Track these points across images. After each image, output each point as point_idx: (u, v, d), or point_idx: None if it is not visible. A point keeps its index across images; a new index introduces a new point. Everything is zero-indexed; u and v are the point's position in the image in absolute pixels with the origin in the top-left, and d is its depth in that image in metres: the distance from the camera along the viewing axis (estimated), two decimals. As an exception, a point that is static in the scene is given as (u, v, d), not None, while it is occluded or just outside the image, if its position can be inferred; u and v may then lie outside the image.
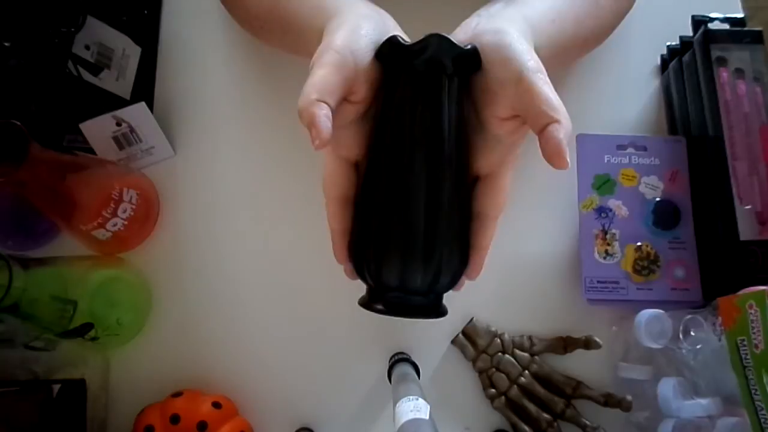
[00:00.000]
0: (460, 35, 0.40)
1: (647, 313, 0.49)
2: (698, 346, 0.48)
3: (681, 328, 0.48)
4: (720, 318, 0.46)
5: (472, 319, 0.55)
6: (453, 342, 0.55)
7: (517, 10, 0.42)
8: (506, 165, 0.40)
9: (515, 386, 0.53)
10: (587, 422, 0.52)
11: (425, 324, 0.55)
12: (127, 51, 0.59)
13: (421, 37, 0.36)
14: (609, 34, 0.56)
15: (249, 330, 0.56)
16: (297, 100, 0.34)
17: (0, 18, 0.53)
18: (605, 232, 0.54)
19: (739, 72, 0.53)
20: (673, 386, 0.47)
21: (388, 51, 0.37)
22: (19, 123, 0.43)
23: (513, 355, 0.54)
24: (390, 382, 0.51)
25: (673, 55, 0.59)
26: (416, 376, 0.50)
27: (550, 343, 0.54)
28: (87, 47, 0.57)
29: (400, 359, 0.52)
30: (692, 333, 0.48)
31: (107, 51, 0.58)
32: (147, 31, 0.61)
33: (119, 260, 0.56)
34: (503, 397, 0.53)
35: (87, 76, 0.57)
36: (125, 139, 0.56)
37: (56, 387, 0.50)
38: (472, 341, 0.54)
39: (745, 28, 0.54)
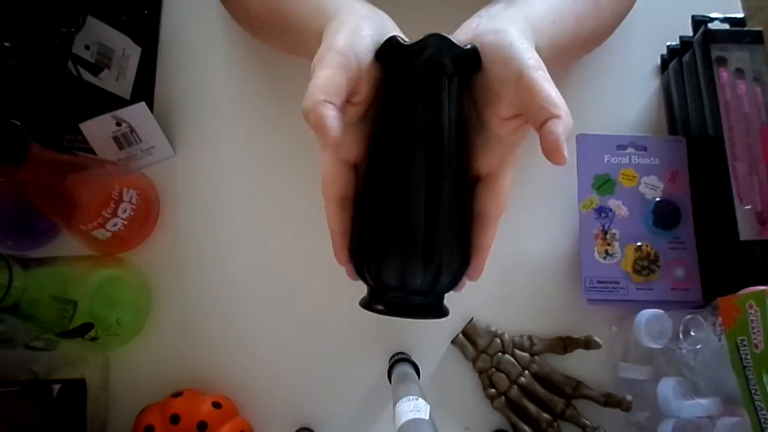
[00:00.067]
0: (461, 36, 0.40)
1: (647, 313, 0.49)
2: (698, 346, 0.48)
3: (681, 328, 0.48)
4: (720, 318, 0.46)
5: (472, 319, 0.55)
6: (453, 342, 0.55)
7: (518, 10, 0.42)
8: (507, 165, 0.40)
9: (515, 386, 0.53)
10: (587, 422, 0.52)
11: (425, 324, 0.55)
12: (127, 51, 0.59)
13: (421, 37, 0.36)
14: (610, 34, 0.56)
15: (249, 330, 0.56)
16: (297, 100, 0.34)
17: (0, 18, 0.53)
18: (605, 232, 0.54)
19: (739, 72, 0.53)
20: (673, 386, 0.47)
21: (388, 51, 0.37)
22: (19, 123, 0.43)
23: (513, 355, 0.54)
24: (390, 382, 0.51)
25: (673, 55, 0.59)
26: (416, 376, 0.50)
27: (550, 343, 0.54)
28: (87, 47, 0.57)
29: (400, 359, 0.52)
30: (692, 333, 0.48)
31: (107, 51, 0.58)
32: (147, 31, 0.61)
33: (119, 260, 0.56)
34: (503, 397, 0.53)
35: (87, 76, 0.57)
36: (125, 139, 0.56)
37: (56, 387, 0.50)
38: (472, 341, 0.54)
39: (745, 28, 0.54)
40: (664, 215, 0.54)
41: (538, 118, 0.34)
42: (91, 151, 0.55)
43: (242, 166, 0.59)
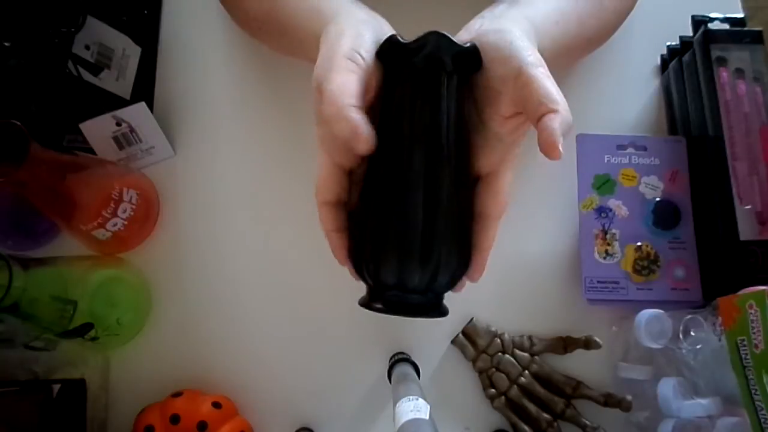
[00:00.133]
0: (464, 36, 0.40)
1: (647, 313, 0.49)
2: (698, 346, 0.48)
3: (681, 328, 0.48)
4: (720, 318, 0.46)
5: (472, 319, 0.55)
6: (453, 342, 0.55)
7: (521, 11, 0.42)
8: (507, 164, 0.40)
9: (515, 386, 0.53)
10: (587, 422, 0.52)
11: (425, 324, 0.55)
12: (127, 51, 0.59)
13: (421, 35, 0.36)
14: (612, 34, 0.56)
15: (249, 330, 0.56)
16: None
17: (0, 18, 0.53)
18: (605, 232, 0.54)
19: (739, 72, 0.53)
20: (673, 386, 0.47)
21: (388, 49, 0.37)
22: (19, 123, 0.43)
23: (513, 355, 0.54)
24: (390, 382, 0.51)
25: (673, 55, 0.59)
26: (416, 376, 0.50)
27: (550, 343, 0.54)
28: (87, 47, 0.57)
29: (400, 359, 0.52)
30: (692, 333, 0.48)
31: (107, 51, 0.58)
32: (147, 31, 0.61)
33: (119, 260, 0.56)
34: (503, 397, 0.53)
35: (87, 76, 0.57)
36: (125, 139, 0.56)
37: (56, 387, 0.50)
38: (472, 341, 0.54)
39: (745, 28, 0.54)
40: (664, 215, 0.54)
41: (535, 113, 0.34)
42: (91, 151, 0.55)
43: (242, 166, 0.59)
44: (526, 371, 0.53)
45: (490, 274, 0.56)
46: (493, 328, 0.55)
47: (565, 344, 0.54)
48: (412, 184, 0.37)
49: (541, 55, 0.38)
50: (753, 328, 0.43)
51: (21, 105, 0.56)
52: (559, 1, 0.47)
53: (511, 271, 0.56)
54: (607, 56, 0.61)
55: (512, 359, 0.53)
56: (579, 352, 0.54)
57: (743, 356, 0.43)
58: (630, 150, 0.55)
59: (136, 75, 0.60)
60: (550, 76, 0.36)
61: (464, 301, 0.55)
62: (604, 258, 0.53)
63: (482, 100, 0.39)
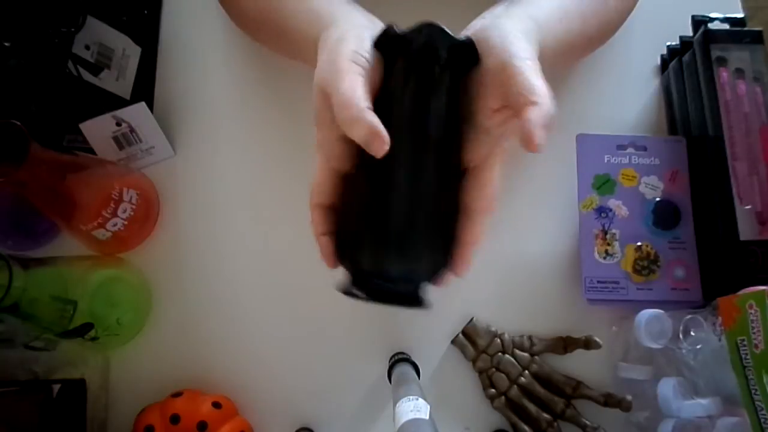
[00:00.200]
0: (466, 34, 0.40)
1: (647, 313, 0.49)
2: (698, 346, 0.48)
3: (681, 328, 0.48)
4: (720, 318, 0.46)
5: (472, 319, 0.55)
6: (453, 342, 0.55)
7: (523, 9, 0.42)
8: (494, 158, 0.40)
9: (515, 386, 0.53)
10: (587, 422, 0.52)
11: (425, 324, 0.55)
12: (127, 51, 0.59)
13: (415, 26, 0.37)
14: (614, 32, 0.56)
15: (249, 330, 0.56)
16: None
17: (0, 18, 0.53)
18: (605, 232, 0.54)
19: (739, 72, 0.53)
20: (673, 386, 0.47)
21: (385, 40, 0.38)
22: (19, 123, 0.43)
23: (513, 355, 0.54)
24: (390, 382, 0.51)
25: (673, 55, 0.59)
26: (416, 376, 0.50)
27: (550, 343, 0.54)
28: (87, 47, 0.57)
29: (400, 359, 0.52)
30: (692, 333, 0.48)
31: (107, 51, 0.58)
32: (147, 31, 0.61)
33: (119, 260, 0.56)
34: (503, 397, 0.53)
35: (87, 76, 0.57)
36: (125, 139, 0.56)
37: (56, 387, 0.50)
38: (472, 341, 0.54)
39: (745, 28, 0.54)
40: (664, 215, 0.54)
41: (517, 105, 0.35)
42: (91, 151, 0.55)
43: (242, 166, 0.59)
44: (526, 371, 0.53)
45: (490, 274, 0.56)
46: (493, 328, 0.55)
47: (565, 344, 0.54)
48: (395, 172, 0.37)
49: (544, 52, 0.38)
50: (753, 328, 0.43)
51: (21, 105, 0.56)
52: None
53: (511, 271, 0.56)
54: (607, 56, 0.61)
55: (512, 359, 0.53)
56: (579, 352, 0.54)
57: (743, 356, 0.43)
58: (630, 150, 0.55)
59: (136, 75, 0.60)
60: (536, 69, 0.36)
61: (464, 301, 0.55)
62: (604, 258, 0.53)
63: (472, 93, 0.39)
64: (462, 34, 0.40)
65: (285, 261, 0.57)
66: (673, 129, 0.59)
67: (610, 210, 0.54)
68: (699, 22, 0.56)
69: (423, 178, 0.38)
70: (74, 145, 0.56)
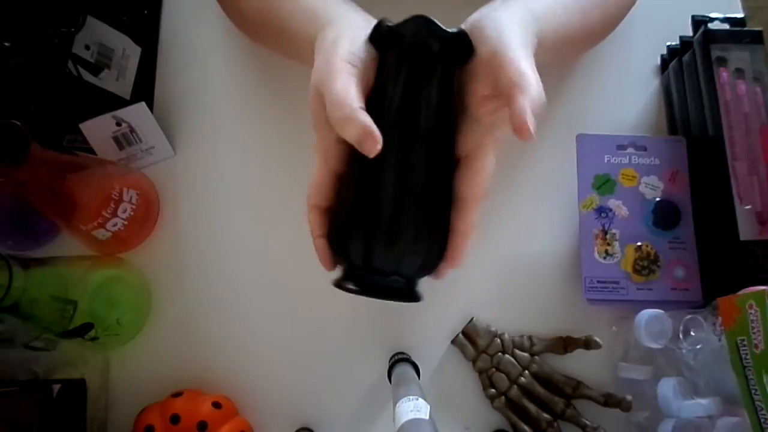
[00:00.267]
0: (464, 27, 0.40)
1: (647, 313, 0.49)
2: (698, 346, 0.48)
3: (681, 328, 0.48)
4: (720, 318, 0.46)
5: (472, 319, 0.55)
6: (453, 342, 0.55)
7: (523, 3, 0.42)
8: (486, 147, 0.40)
9: (515, 386, 0.53)
10: (587, 422, 0.52)
11: (425, 324, 0.55)
12: (127, 51, 0.59)
13: (407, 18, 0.37)
14: (615, 26, 0.56)
15: (249, 330, 0.56)
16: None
17: (0, 18, 0.53)
18: (605, 232, 0.54)
19: (739, 72, 0.53)
20: (673, 386, 0.47)
21: (377, 34, 0.38)
22: (19, 123, 0.43)
23: (513, 355, 0.54)
24: (390, 382, 0.51)
25: (673, 55, 0.59)
26: (416, 376, 0.50)
27: (550, 343, 0.54)
28: (87, 47, 0.57)
29: (400, 359, 0.52)
30: (692, 333, 0.48)
31: (107, 51, 0.58)
32: (147, 31, 0.61)
33: (119, 260, 0.56)
34: (503, 397, 0.53)
35: (87, 76, 0.57)
36: (125, 139, 0.56)
37: (56, 387, 0.50)
38: (472, 341, 0.54)
39: (745, 28, 0.54)
40: (664, 215, 0.54)
41: (507, 92, 0.34)
42: (91, 151, 0.55)
43: (242, 166, 0.59)
44: (526, 371, 0.53)
45: (490, 274, 0.56)
46: (493, 328, 0.55)
47: (565, 344, 0.54)
48: (385, 166, 0.37)
49: (543, 44, 0.38)
50: (753, 328, 0.43)
51: (21, 105, 0.56)
52: None
53: (511, 271, 0.56)
54: (607, 56, 0.61)
55: (512, 359, 0.53)
56: (579, 352, 0.54)
57: (743, 356, 0.43)
58: (630, 150, 0.55)
59: (136, 75, 0.60)
60: (529, 59, 0.36)
61: (464, 301, 0.55)
62: (604, 258, 0.53)
63: (464, 81, 0.39)
64: (460, 27, 0.40)
65: (285, 261, 0.57)
66: (673, 129, 0.59)
67: (610, 210, 0.54)
68: (699, 22, 0.56)
69: (413, 172, 0.38)
70: (74, 145, 0.56)
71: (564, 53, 0.52)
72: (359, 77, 0.37)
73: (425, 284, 0.42)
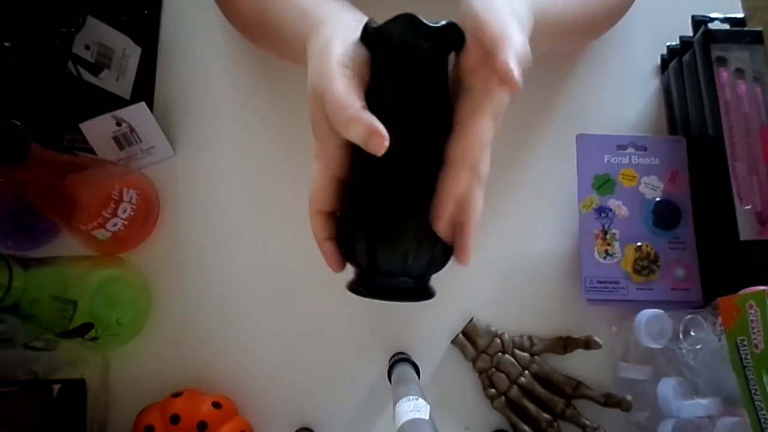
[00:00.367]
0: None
1: (647, 313, 0.49)
2: (698, 346, 0.48)
3: (681, 328, 0.48)
4: (720, 318, 0.46)
5: (472, 319, 0.55)
6: (453, 342, 0.55)
7: None
8: (480, 113, 0.38)
9: (515, 386, 0.53)
10: (587, 422, 0.52)
11: (425, 324, 0.55)
12: (127, 51, 0.59)
13: (392, 18, 0.37)
14: (618, 15, 0.56)
15: (249, 330, 0.56)
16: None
17: (0, 18, 0.53)
18: (605, 232, 0.54)
19: (739, 72, 0.53)
20: (673, 386, 0.47)
21: (365, 36, 0.38)
22: (19, 123, 0.43)
23: (513, 355, 0.54)
24: (390, 382, 0.51)
25: (673, 55, 0.59)
26: (416, 376, 0.50)
27: (550, 343, 0.54)
28: (87, 47, 0.57)
29: (400, 359, 0.52)
30: (692, 333, 0.48)
31: (107, 51, 0.58)
32: (147, 31, 0.61)
33: (119, 260, 0.56)
34: (503, 397, 0.53)
35: (87, 76, 0.57)
36: (125, 139, 0.56)
37: (56, 387, 0.50)
38: (472, 341, 0.54)
39: (745, 28, 0.54)
40: (664, 215, 0.54)
41: (491, 49, 0.34)
42: (91, 151, 0.55)
43: (242, 166, 0.59)
44: (526, 371, 0.53)
45: (491, 274, 0.56)
46: (493, 328, 0.55)
47: (565, 344, 0.54)
48: (381, 166, 0.37)
49: (542, 28, 0.38)
50: (753, 328, 0.43)
51: (21, 105, 0.56)
52: None
53: (512, 271, 0.56)
54: (607, 56, 0.61)
55: (512, 359, 0.53)
56: (579, 352, 0.54)
57: (743, 356, 0.43)
58: (630, 150, 0.55)
59: (136, 75, 0.60)
60: (514, 23, 0.36)
61: (464, 301, 0.55)
62: (604, 258, 0.53)
63: (457, 64, 0.39)
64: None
65: (285, 261, 0.57)
66: (673, 129, 0.59)
67: (610, 210, 0.54)
68: (699, 22, 0.56)
69: (410, 171, 0.38)
70: (74, 145, 0.56)
71: (565, 40, 0.51)
72: (355, 78, 0.37)
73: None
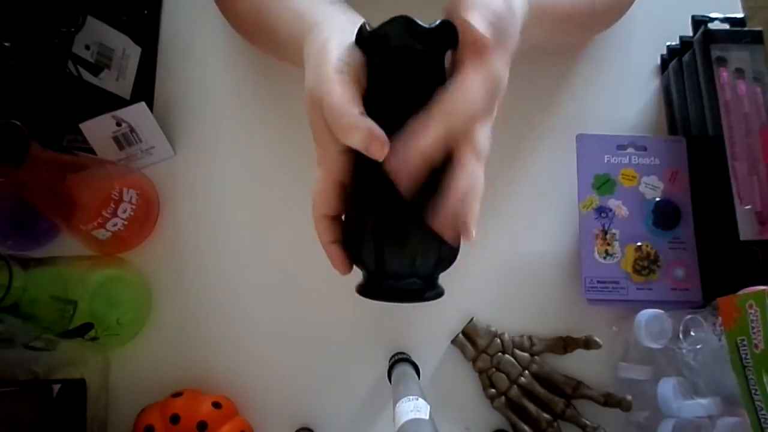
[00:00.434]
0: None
1: (647, 313, 0.49)
2: (698, 346, 0.48)
3: (681, 328, 0.48)
4: (720, 318, 0.46)
5: (472, 319, 0.55)
6: (453, 342, 0.55)
7: None
8: (471, 66, 0.36)
9: (515, 386, 0.53)
10: (587, 422, 0.52)
11: (425, 324, 0.55)
12: (127, 51, 0.59)
13: (387, 20, 0.37)
14: (619, 11, 0.56)
15: (249, 330, 0.56)
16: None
17: (0, 18, 0.53)
18: (605, 232, 0.54)
19: (739, 72, 0.53)
20: (673, 386, 0.47)
21: (360, 40, 0.38)
22: (19, 123, 0.43)
23: (513, 355, 0.54)
24: (390, 382, 0.51)
25: (673, 55, 0.59)
26: (416, 376, 0.50)
27: (550, 343, 0.54)
28: (87, 47, 0.57)
29: (400, 359, 0.52)
30: (692, 333, 0.48)
31: (107, 51, 0.58)
32: (147, 31, 0.61)
33: (119, 260, 0.56)
34: (503, 397, 0.53)
35: (87, 76, 0.57)
36: (125, 139, 0.56)
37: (56, 387, 0.50)
38: (472, 341, 0.54)
39: (745, 28, 0.54)
40: (664, 215, 0.54)
41: (453, 12, 0.35)
42: (91, 151, 0.56)
43: (242, 166, 0.59)
44: (526, 371, 0.53)
45: (491, 274, 0.56)
46: (493, 328, 0.55)
47: (565, 344, 0.54)
48: (383, 168, 0.37)
49: (538, 13, 0.38)
50: (753, 328, 0.43)
51: (21, 105, 0.56)
52: None
53: (511, 271, 0.56)
54: (607, 56, 0.61)
55: (512, 359, 0.53)
56: (579, 352, 0.54)
57: (743, 356, 0.43)
58: (630, 150, 0.55)
59: (136, 75, 0.60)
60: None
61: (464, 301, 0.55)
62: (604, 258, 0.53)
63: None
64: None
65: (285, 261, 0.57)
66: (673, 129, 0.59)
67: (610, 210, 0.54)
68: (699, 22, 0.56)
69: None
70: (74, 145, 0.56)
71: (561, 29, 0.51)
72: (352, 82, 0.36)
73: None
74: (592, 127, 0.57)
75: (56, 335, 0.46)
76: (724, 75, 0.52)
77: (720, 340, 0.46)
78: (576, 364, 0.54)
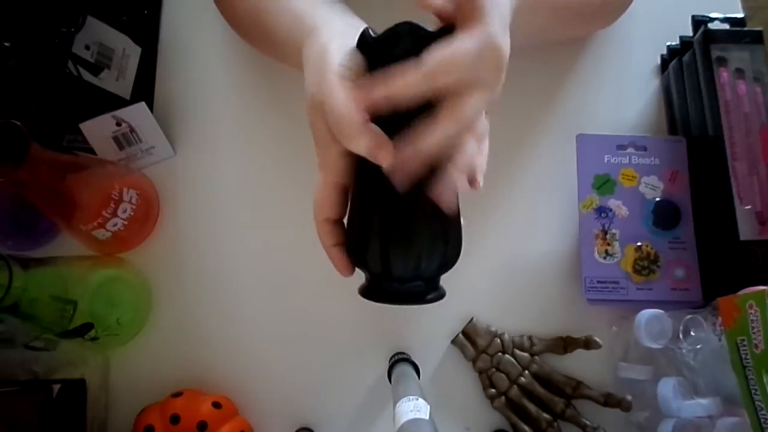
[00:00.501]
0: None
1: (647, 313, 0.49)
2: (698, 346, 0.48)
3: (681, 328, 0.48)
4: (720, 318, 0.46)
5: (472, 319, 0.55)
6: (453, 342, 0.55)
7: None
8: (467, 27, 0.35)
9: (515, 386, 0.53)
10: (587, 422, 0.52)
11: (425, 324, 0.55)
12: (127, 51, 0.59)
13: (391, 26, 0.36)
14: (618, 7, 0.56)
15: (249, 330, 0.56)
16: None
17: (0, 18, 0.53)
18: (605, 232, 0.54)
19: (739, 72, 0.53)
20: (673, 386, 0.47)
21: (364, 45, 0.38)
22: (19, 123, 0.43)
23: (513, 355, 0.54)
24: (390, 382, 0.51)
25: (673, 55, 0.59)
26: (416, 376, 0.50)
27: (550, 343, 0.54)
28: (87, 47, 0.57)
29: (400, 359, 0.52)
30: (692, 333, 0.48)
31: (107, 51, 0.58)
32: (147, 31, 0.61)
33: (119, 260, 0.56)
34: (503, 397, 0.53)
35: (87, 76, 0.57)
36: (125, 139, 0.56)
37: (56, 387, 0.50)
38: (472, 341, 0.54)
39: (745, 28, 0.54)
40: (664, 215, 0.54)
41: None
42: (91, 151, 0.56)
43: (242, 166, 0.59)
44: (526, 371, 0.53)
45: (491, 274, 0.56)
46: (493, 328, 0.55)
47: (565, 344, 0.54)
48: (384, 175, 0.37)
49: (530, 2, 0.38)
50: (753, 328, 0.43)
51: (21, 105, 0.56)
52: None
53: (512, 271, 0.56)
54: (607, 56, 0.61)
55: (512, 359, 0.53)
56: (579, 352, 0.54)
57: (743, 356, 0.43)
58: (630, 150, 0.55)
59: (136, 75, 0.60)
60: None
61: (464, 301, 0.55)
62: (604, 258, 0.53)
63: None
64: None
65: (285, 261, 0.57)
66: (673, 129, 0.59)
67: (610, 210, 0.54)
68: (699, 22, 0.56)
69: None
70: (74, 145, 0.56)
71: (556, 20, 0.50)
72: (354, 87, 0.36)
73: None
74: (592, 127, 0.57)
75: (56, 335, 0.46)
76: (724, 75, 0.52)
77: (720, 340, 0.46)
78: (576, 364, 0.54)
